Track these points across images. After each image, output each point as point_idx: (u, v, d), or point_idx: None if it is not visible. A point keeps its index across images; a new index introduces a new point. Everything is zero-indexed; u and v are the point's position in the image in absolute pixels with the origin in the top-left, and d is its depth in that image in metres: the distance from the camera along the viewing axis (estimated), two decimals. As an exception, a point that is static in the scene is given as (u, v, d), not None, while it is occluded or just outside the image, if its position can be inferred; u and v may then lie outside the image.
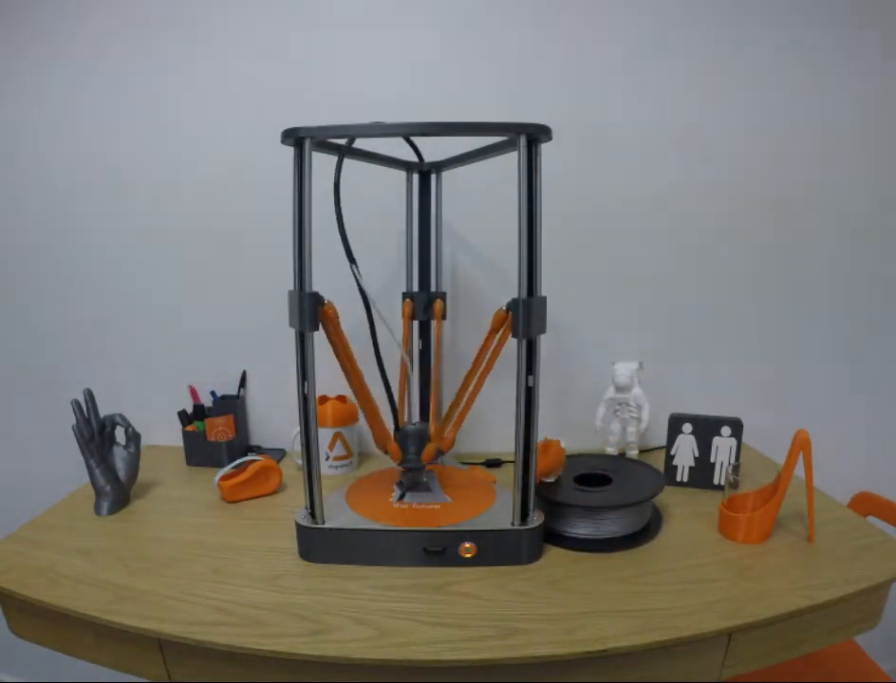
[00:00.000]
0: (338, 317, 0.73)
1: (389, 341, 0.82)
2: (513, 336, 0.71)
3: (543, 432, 0.77)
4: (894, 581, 0.73)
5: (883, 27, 1.05)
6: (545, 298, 0.72)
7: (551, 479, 0.85)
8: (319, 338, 0.72)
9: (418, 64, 1.04)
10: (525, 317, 0.69)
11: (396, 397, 0.88)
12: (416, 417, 1.06)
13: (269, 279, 1.10)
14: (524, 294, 0.70)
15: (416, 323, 1.03)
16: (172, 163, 1.09)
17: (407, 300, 1.00)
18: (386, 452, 0.84)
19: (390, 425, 0.86)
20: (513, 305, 0.70)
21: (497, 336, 0.75)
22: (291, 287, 0.73)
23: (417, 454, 0.84)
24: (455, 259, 1.11)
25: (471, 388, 0.80)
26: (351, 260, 0.73)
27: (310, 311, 0.70)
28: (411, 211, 1.00)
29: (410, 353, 1.02)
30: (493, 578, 0.73)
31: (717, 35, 1.05)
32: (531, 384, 0.72)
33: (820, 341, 1.17)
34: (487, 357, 0.77)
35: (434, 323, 0.99)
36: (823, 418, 1.20)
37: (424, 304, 1.00)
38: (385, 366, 0.80)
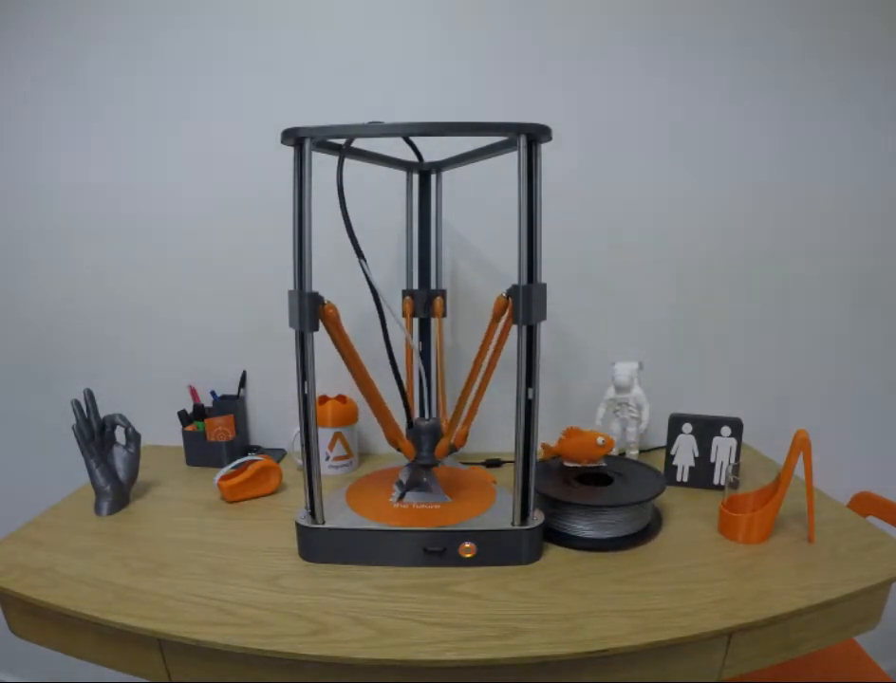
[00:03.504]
0: (339, 317, 0.73)
1: (394, 337, 0.81)
2: (513, 322, 0.71)
3: (543, 432, 0.77)
4: (894, 581, 0.73)
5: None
6: (545, 284, 0.72)
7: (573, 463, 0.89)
8: (319, 337, 0.72)
9: (418, 63, 1.04)
10: (525, 302, 0.69)
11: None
12: (417, 414, 1.06)
13: (269, 279, 1.10)
14: (524, 280, 0.70)
15: (416, 321, 1.02)
16: (171, 163, 1.09)
17: (407, 297, 1.00)
18: (399, 449, 0.83)
19: (400, 421, 0.85)
20: (513, 291, 0.70)
21: (500, 324, 0.74)
22: (291, 287, 0.72)
23: (430, 451, 0.84)
24: (454, 257, 1.11)
25: (478, 381, 0.79)
26: (360, 256, 0.73)
27: (310, 311, 0.70)
28: (411, 210, 1.00)
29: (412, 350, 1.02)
30: (493, 578, 0.73)
31: (721, 33, 1.05)
32: (530, 397, 0.72)
33: (820, 341, 1.17)
34: (492, 346, 0.76)
35: (434, 321, 0.99)
36: (823, 418, 1.20)
37: (424, 301, 1.00)
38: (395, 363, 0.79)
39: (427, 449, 0.84)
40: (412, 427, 0.85)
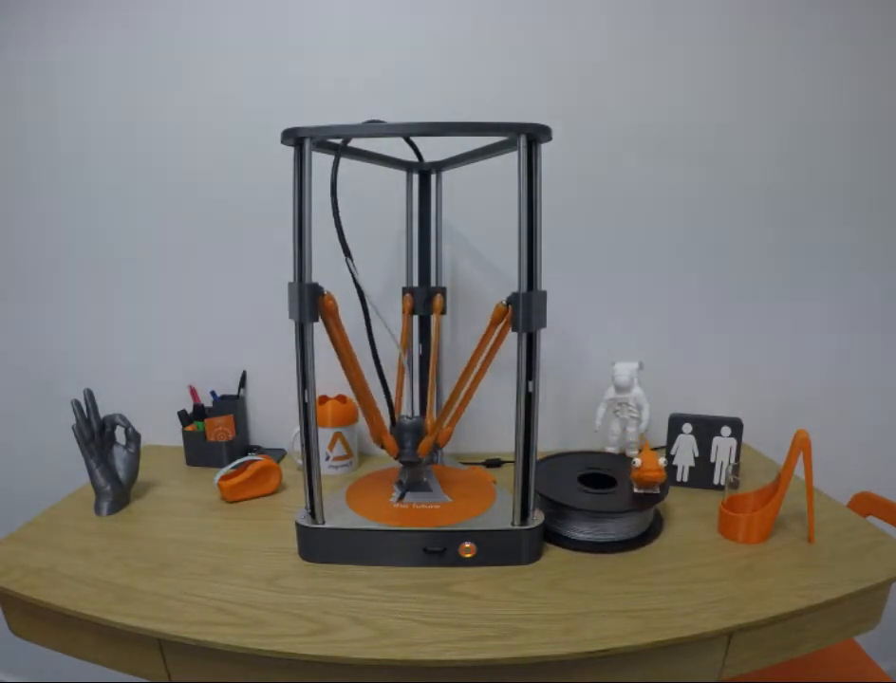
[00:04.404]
0: (338, 309, 0.73)
1: (389, 336, 0.82)
2: (512, 329, 0.71)
3: (543, 432, 0.77)
4: (894, 581, 0.73)
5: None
6: (545, 292, 0.72)
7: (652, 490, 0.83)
8: (320, 337, 0.72)
9: (418, 63, 1.04)
10: (525, 310, 0.69)
11: (393, 392, 0.88)
12: (416, 412, 1.06)
13: (269, 279, 1.09)
14: (524, 288, 0.70)
15: (416, 319, 1.02)
16: (170, 166, 1.09)
17: (407, 295, 1.00)
18: (383, 447, 0.84)
19: (387, 420, 0.86)
20: (513, 299, 0.70)
21: (497, 330, 0.75)
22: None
23: (413, 448, 0.84)
24: (454, 255, 1.11)
25: (469, 383, 0.79)
26: (347, 254, 0.73)
27: (310, 302, 0.70)
28: (411, 210, 1.00)
29: (410, 348, 1.02)
30: (493, 578, 0.73)
31: (718, 31, 1.05)
32: (531, 390, 0.72)
33: (820, 341, 1.17)
34: (486, 351, 0.77)
35: (434, 318, 0.99)
36: (823, 418, 1.20)
37: (424, 298, 1.00)
38: (384, 361, 0.80)
39: (410, 447, 0.84)
40: (395, 425, 0.86)
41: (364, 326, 0.77)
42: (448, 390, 1.06)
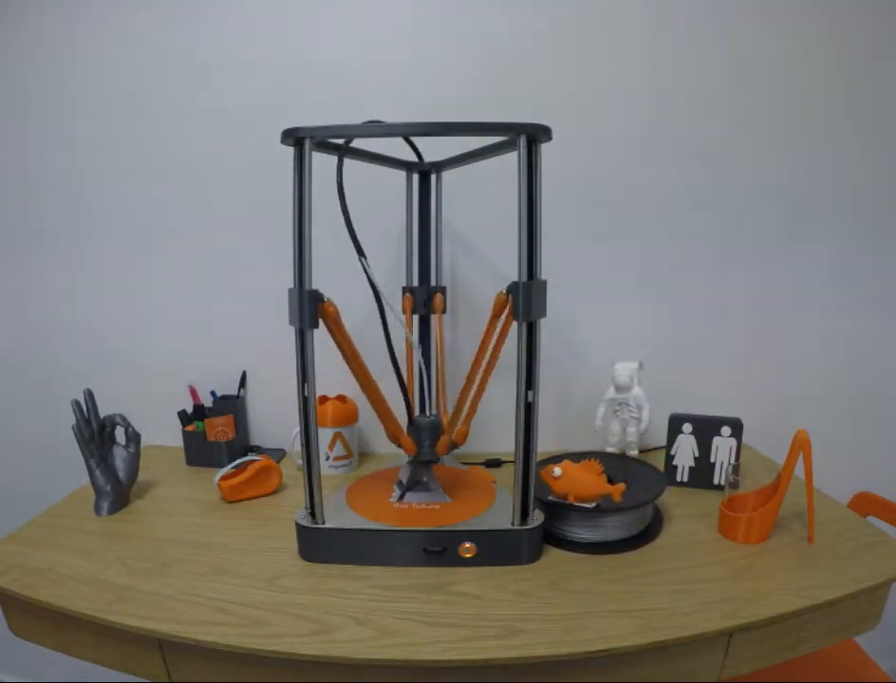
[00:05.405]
0: (339, 315, 0.73)
1: (395, 336, 0.82)
2: (513, 318, 0.71)
3: (543, 432, 0.77)
4: (894, 581, 0.73)
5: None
6: (545, 281, 0.72)
7: (590, 505, 0.79)
8: (319, 337, 0.72)
9: (418, 63, 1.04)
10: (525, 299, 0.70)
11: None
12: (418, 411, 1.06)
13: (269, 278, 1.10)
14: (524, 277, 0.70)
15: (416, 318, 1.02)
16: (170, 165, 1.09)
17: (407, 294, 1.00)
18: (400, 446, 0.84)
19: (401, 419, 0.85)
20: (513, 288, 0.70)
21: (500, 322, 0.75)
22: (292, 286, 0.72)
23: (432, 447, 0.84)
24: (455, 255, 1.11)
25: (478, 378, 0.79)
26: (361, 254, 0.73)
27: (310, 309, 0.70)
28: (411, 210, 1.00)
29: (411, 347, 1.02)
30: (493, 578, 0.73)
31: (718, 31, 1.05)
32: (530, 399, 0.72)
33: (820, 342, 1.17)
34: (492, 344, 0.77)
35: (434, 318, 0.99)
36: (823, 418, 1.20)
37: (424, 297, 1.00)
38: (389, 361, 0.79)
39: (428, 445, 0.84)
40: (413, 424, 0.85)
41: (368, 328, 0.77)
42: (450, 387, 1.06)
